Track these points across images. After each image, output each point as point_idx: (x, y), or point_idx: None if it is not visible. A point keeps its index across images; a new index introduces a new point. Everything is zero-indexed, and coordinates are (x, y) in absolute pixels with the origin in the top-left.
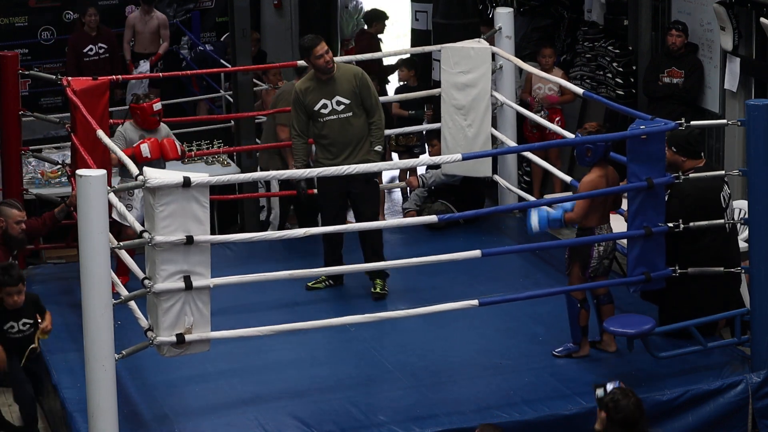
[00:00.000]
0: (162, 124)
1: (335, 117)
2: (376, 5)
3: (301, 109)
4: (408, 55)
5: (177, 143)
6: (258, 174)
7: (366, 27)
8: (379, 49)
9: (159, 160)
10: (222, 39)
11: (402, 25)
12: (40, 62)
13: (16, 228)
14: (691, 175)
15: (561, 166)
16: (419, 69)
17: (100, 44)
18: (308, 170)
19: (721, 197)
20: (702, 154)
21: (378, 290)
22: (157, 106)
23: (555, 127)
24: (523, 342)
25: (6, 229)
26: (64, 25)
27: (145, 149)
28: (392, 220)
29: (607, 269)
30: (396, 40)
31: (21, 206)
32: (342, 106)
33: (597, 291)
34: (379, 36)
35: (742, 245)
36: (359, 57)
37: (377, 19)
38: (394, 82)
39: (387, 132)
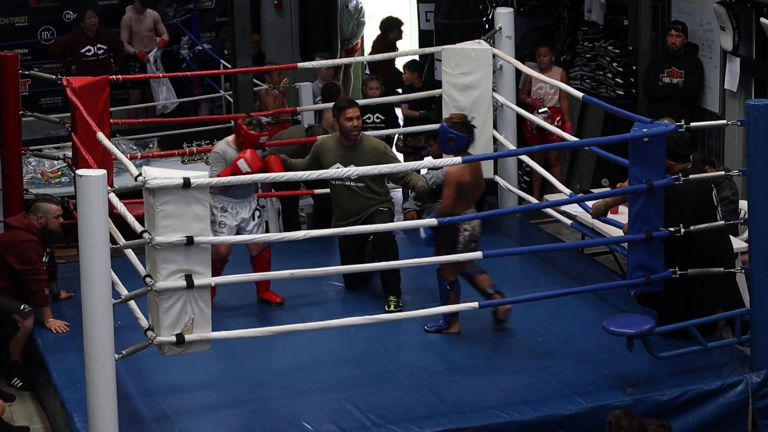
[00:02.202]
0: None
1: (346, 184)
2: (377, 5)
3: (315, 159)
4: (411, 58)
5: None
6: (258, 175)
7: (383, 35)
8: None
9: None
10: (219, 36)
11: (406, 26)
12: (40, 62)
13: (56, 222)
14: (682, 177)
15: (561, 166)
16: (423, 71)
17: (99, 45)
18: (308, 172)
19: (713, 197)
20: (690, 156)
21: (391, 308)
22: (264, 139)
23: (555, 129)
24: (523, 342)
25: (46, 224)
26: (64, 25)
27: (243, 165)
28: (393, 222)
29: (472, 249)
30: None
31: (57, 200)
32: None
33: (464, 267)
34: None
35: (742, 245)
36: (367, 58)
37: (394, 26)
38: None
39: (392, 131)
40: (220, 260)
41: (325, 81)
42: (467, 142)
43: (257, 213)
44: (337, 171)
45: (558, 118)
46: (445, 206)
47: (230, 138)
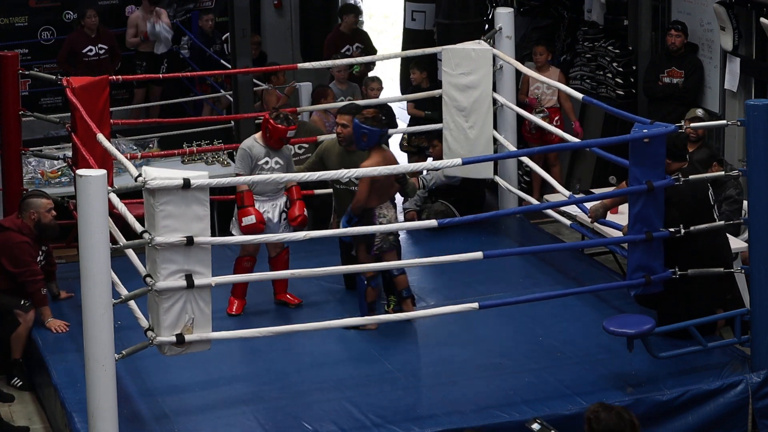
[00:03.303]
0: (287, 145)
1: (351, 189)
2: (376, 5)
3: (319, 163)
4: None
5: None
6: (258, 177)
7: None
8: (342, 45)
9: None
10: (200, 25)
11: (401, 25)
12: (40, 62)
13: (48, 216)
14: (681, 177)
15: (560, 166)
16: (431, 70)
17: (100, 45)
18: (308, 174)
19: (709, 196)
20: (686, 156)
21: (391, 308)
22: (292, 133)
23: (555, 129)
24: (523, 342)
25: (39, 219)
26: (64, 25)
27: (247, 221)
28: (393, 224)
29: (393, 244)
30: (394, 41)
31: (47, 194)
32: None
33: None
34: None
35: (742, 245)
36: (369, 59)
37: (346, 12)
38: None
39: (391, 131)
40: (250, 257)
41: (341, 83)
42: (380, 136)
43: (284, 215)
44: (338, 172)
45: (556, 118)
46: (358, 200)
47: (257, 135)
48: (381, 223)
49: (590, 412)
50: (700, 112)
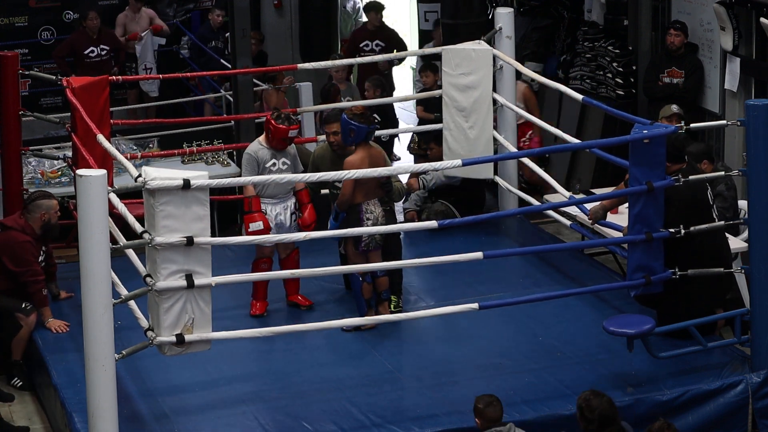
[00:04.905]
0: (292, 145)
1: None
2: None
3: (315, 171)
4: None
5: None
6: (259, 177)
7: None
8: (362, 40)
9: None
10: (209, 18)
11: (403, 24)
12: (40, 62)
13: (56, 216)
14: (681, 177)
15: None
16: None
17: (102, 46)
18: (308, 174)
19: (708, 195)
20: (685, 157)
21: (392, 308)
22: (294, 132)
23: (556, 131)
24: (523, 342)
25: (49, 220)
26: (64, 25)
27: (254, 227)
28: (393, 225)
29: (378, 243)
30: None
31: (53, 195)
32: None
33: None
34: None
35: (742, 245)
36: (369, 59)
37: (366, 10)
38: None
39: (389, 132)
40: (267, 258)
41: (340, 83)
42: (367, 133)
43: (294, 217)
44: (337, 174)
45: (530, 133)
46: (343, 195)
47: (261, 138)
48: (368, 219)
49: (581, 400)
50: (675, 107)
